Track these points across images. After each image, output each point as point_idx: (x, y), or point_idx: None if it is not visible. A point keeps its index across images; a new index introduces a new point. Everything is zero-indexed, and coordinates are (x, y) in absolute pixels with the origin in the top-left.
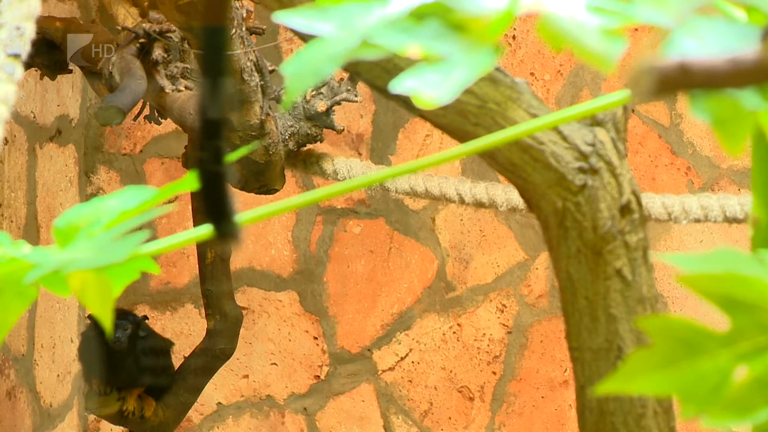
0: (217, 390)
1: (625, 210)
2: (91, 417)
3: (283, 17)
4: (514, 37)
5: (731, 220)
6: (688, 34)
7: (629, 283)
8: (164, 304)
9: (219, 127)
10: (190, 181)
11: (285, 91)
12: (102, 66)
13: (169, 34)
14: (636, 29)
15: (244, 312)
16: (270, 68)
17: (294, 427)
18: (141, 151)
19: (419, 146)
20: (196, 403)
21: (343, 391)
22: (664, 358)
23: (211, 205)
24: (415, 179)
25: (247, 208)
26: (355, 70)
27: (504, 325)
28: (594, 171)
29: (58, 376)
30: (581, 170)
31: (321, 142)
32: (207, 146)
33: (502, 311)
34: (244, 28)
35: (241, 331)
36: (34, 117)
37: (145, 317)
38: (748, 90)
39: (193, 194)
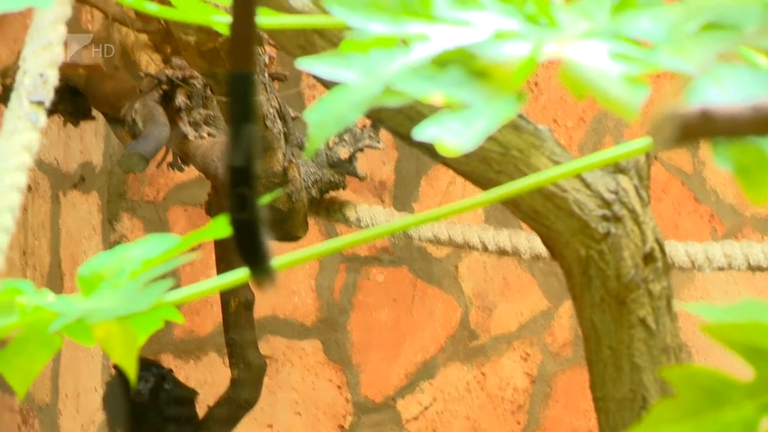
0: None
1: (648, 258)
2: None
3: (306, 64)
4: (536, 84)
5: (755, 269)
6: (711, 82)
7: (653, 333)
8: (188, 353)
9: (245, 174)
10: (213, 229)
11: (308, 138)
12: (125, 113)
13: (192, 81)
14: (658, 76)
15: (267, 361)
16: (293, 115)
17: None
18: (164, 198)
19: (442, 193)
20: None
21: None
22: (689, 409)
23: (245, 250)
24: (438, 227)
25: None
26: (377, 117)
27: (528, 374)
28: (617, 219)
29: (82, 425)
30: (604, 218)
31: (344, 189)
32: (233, 194)
33: (526, 360)
34: (266, 74)
35: (265, 380)
36: (58, 164)
37: (170, 370)
38: None
39: (216, 242)
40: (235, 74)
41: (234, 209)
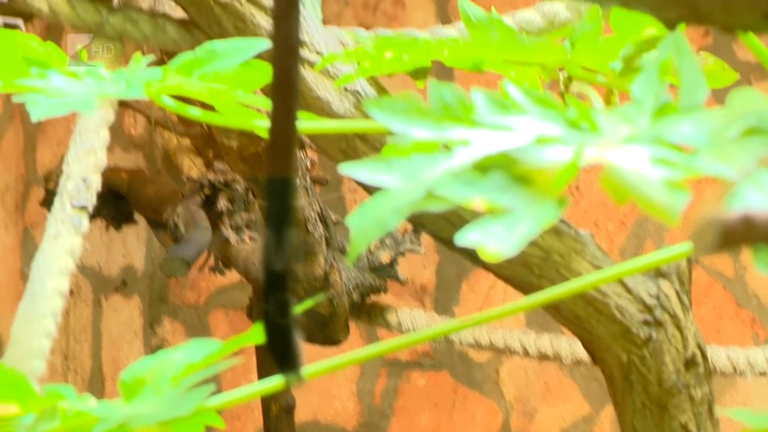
0: None
1: (690, 363)
2: None
3: (348, 169)
4: (577, 187)
5: None
6: (753, 187)
7: None
8: None
9: (284, 279)
10: (255, 335)
11: (350, 244)
12: (167, 217)
13: (234, 185)
14: (699, 181)
15: None
16: (334, 219)
17: None
18: (205, 302)
19: (483, 297)
20: None
21: None
22: None
23: (278, 353)
24: (479, 331)
25: (312, 360)
26: (419, 222)
27: None
28: (659, 324)
29: None
30: (646, 323)
31: (385, 293)
32: (272, 299)
33: None
34: (308, 178)
35: None
36: (100, 268)
37: None
38: None
39: (257, 347)
40: (274, 178)
41: (270, 313)
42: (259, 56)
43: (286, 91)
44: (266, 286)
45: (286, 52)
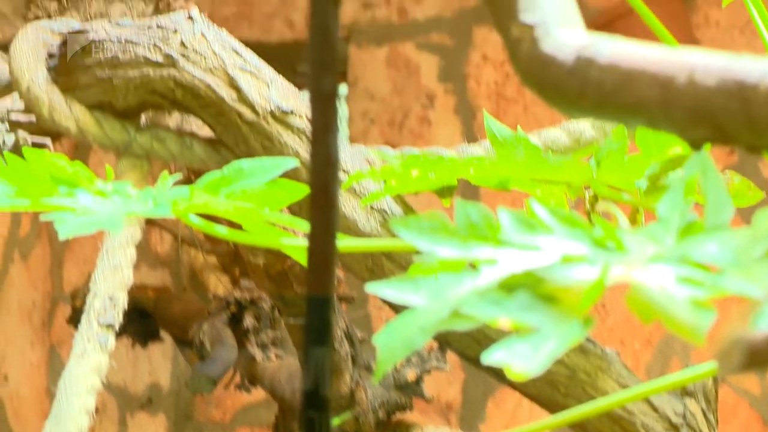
0: None
1: None
2: None
3: (375, 288)
4: (603, 306)
5: None
6: None
7: None
8: None
9: (323, 397)
10: None
11: (377, 363)
12: (193, 334)
13: (260, 302)
14: (725, 300)
15: None
16: (360, 337)
17: None
18: (231, 419)
19: (509, 415)
20: None
21: None
22: None
23: None
24: None
25: None
26: (445, 340)
27: None
28: None
29: None
30: None
31: (410, 410)
32: (311, 417)
33: None
34: (334, 296)
35: None
36: (125, 385)
37: None
38: None
39: None
40: (313, 297)
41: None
42: (286, 174)
43: (325, 207)
44: (305, 404)
45: (324, 167)
